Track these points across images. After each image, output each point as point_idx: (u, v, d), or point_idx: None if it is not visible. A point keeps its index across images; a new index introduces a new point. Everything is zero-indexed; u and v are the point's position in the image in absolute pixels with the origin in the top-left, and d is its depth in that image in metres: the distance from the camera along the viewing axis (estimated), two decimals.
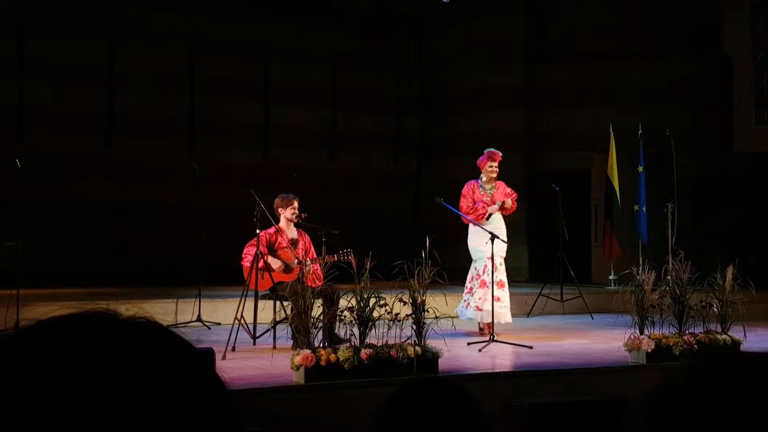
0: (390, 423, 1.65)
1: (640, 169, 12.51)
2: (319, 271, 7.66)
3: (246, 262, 8.19)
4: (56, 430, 0.74)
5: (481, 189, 9.24)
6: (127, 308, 0.86)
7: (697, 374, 0.97)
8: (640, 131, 12.49)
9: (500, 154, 9.32)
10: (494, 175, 9.24)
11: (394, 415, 1.65)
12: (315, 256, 8.24)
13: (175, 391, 0.79)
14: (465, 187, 9.30)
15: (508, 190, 9.35)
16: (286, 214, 8.41)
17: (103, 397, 0.75)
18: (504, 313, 8.98)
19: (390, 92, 15.03)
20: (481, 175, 9.28)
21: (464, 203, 9.20)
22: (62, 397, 0.75)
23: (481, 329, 9.02)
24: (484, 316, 8.86)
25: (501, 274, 9.06)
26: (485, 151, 9.34)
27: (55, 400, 0.75)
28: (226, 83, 13.45)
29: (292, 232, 8.48)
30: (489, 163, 9.23)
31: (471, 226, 9.14)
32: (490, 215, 9.14)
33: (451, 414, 1.65)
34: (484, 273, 8.99)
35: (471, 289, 9.09)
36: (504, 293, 9.05)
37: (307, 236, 8.54)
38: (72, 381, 0.76)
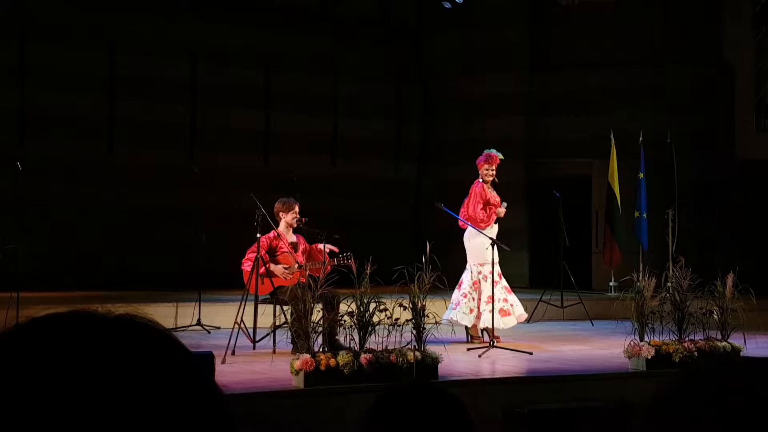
0: (375, 426, 1.65)
1: (641, 175, 12.51)
2: (321, 251, 7.87)
3: (246, 267, 8.19)
4: (42, 430, 0.73)
5: (489, 189, 9.16)
6: (119, 307, 0.86)
7: (698, 379, 0.97)
8: (641, 138, 12.49)
9: (499, 157, 9.10)
10: (490, 179, 9.08)
11: (380, 419, 1.65)
12: (317, 246, 8.24)
13: (165, 391, 0.78)
14: (474, 188, 9.07)
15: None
16: (287, 219, 8.41)
17: (91, 396, 0.75)
18: (521, 313, 9.00)
19: (391, 99, 15.04)
20: (480, 176, 9.17)
21: (476, 208, 8.96)
22: (50, 397, 0.74)
23: (473, 336, 8.96)
24: (484, 321, 8.83)
25: (503, 280, 9.04)
26: (484, 152, 9.19)
27: (43, 400, 0.74)
28: (228, 89, 13.47)
29: (291, 237, 8.48)
30: (485, 167, 9.09)
31: (471, 229, 9.06)
32: (497, 219, 9.09)
33: (437, 418, 1.65)
34: (485, 279, 8.92)
35: (466, 295, 8.94)
36: (514, 296, 9.03)
37: (305, 242, 8.54)
38: (60, 381, 0.75)
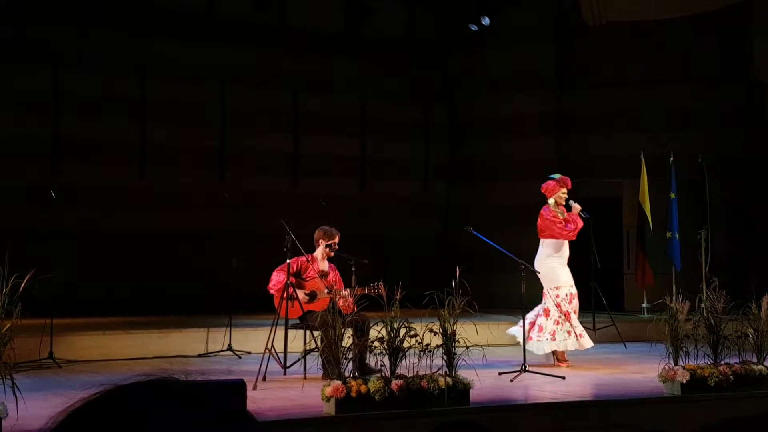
0: None
1: (672, 195, 12.41)
2: (351, 303, 7.70)
3: (273, 290, 8.18)
4: None
5: (559, 213, 9.07)
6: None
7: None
8: (671, 158, 12.40)
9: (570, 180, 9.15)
10: (563, 202, 9.08)
11: None
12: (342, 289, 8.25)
13: None
14: (547, 212, 8.99)
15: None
16: (323, 248, 8.40)
17: None
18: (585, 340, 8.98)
19: (419, 119, 15.06)
20: (550, 200, 9.08)
21: (557, 225, 8.91)
22: None
23: (558, 359, 8.90)
24: (568, 345, 8.82)
25: (570, 303, 8.98)
26: (557, 177, 9.12)
27: None
28: (257, 113, 13.56)
29: (323, 265, 8.47)
30: (562, 190, 9.06)
31: (542, 253, 8.97)
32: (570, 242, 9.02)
33: None
34: (566, 300, 8.89)
35: (558, 321, 8.84)
36: (575, 322, 8.96)
37: (337, 271, 8.53)
38: None
